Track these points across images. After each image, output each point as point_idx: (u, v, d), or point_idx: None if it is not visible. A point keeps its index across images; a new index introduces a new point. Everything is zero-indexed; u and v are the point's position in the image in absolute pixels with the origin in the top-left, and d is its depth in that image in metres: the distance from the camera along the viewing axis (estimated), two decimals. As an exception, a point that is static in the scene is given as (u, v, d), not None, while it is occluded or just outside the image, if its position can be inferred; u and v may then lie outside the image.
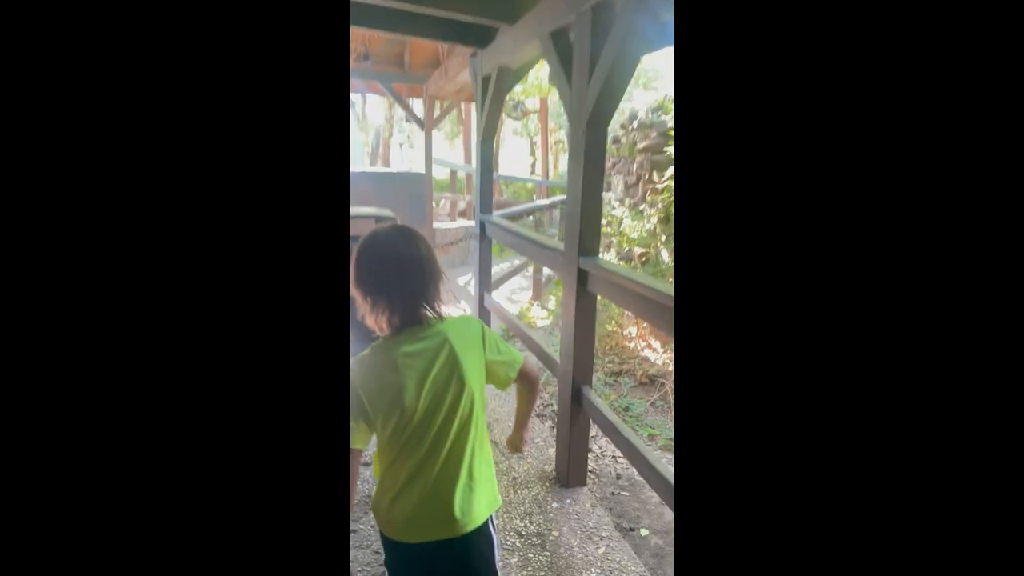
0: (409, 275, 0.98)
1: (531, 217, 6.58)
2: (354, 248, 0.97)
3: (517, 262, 6.13)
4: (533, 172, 14.11)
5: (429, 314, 1.00)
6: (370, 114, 16.15)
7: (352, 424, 0.94)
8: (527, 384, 1.16)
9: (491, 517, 1.07)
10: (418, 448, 0.98)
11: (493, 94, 2.94)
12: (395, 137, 16.34)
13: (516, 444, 1.25)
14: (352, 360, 0.96)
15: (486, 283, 3.48)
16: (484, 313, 3.42)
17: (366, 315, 0.98)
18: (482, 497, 1.04)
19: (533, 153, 14.94)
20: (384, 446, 1.00)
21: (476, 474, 1.03)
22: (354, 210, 3.65)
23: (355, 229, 1.29)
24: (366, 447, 0.99)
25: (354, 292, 0.99)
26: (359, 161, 14.76)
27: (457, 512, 1.00)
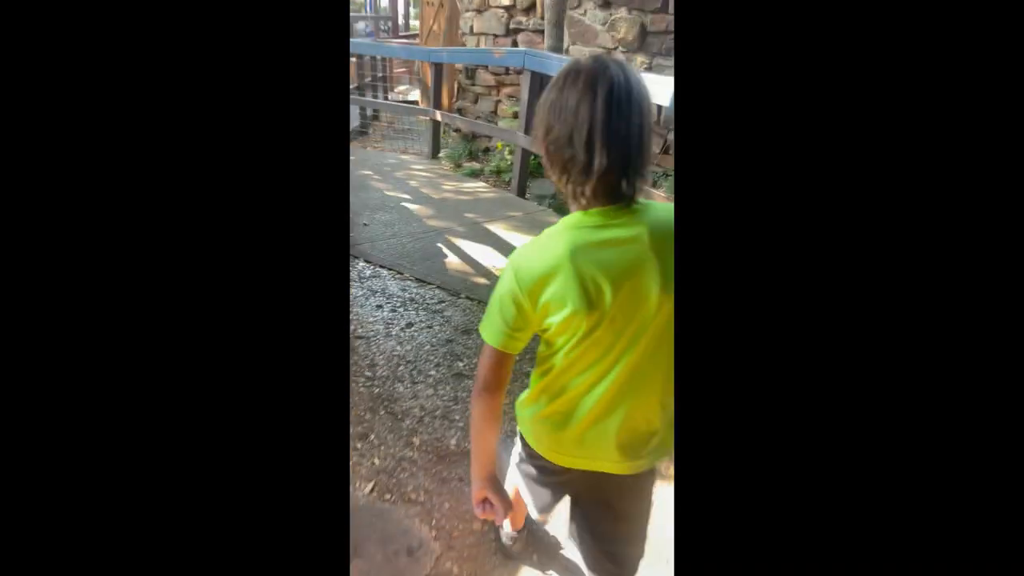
0: (624, 124, 0.67)
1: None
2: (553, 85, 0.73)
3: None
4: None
5: (633, 190, 0.72)
6: None
7: (513, 326, 0.77)
8: None
9: (658, 466, 0.92)
10: (600, 361, 0.78)
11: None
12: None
13: None
14: (520, 251, 0.79)
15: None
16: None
17: (550, 175, 0.75)
18: (663, 438, 0.86)
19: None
20: (548, 352, 0.82)
21: (664, 407, 0.83)
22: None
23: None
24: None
25: (539, 138, 0.74)
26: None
27: (631, 448, 0.84)
